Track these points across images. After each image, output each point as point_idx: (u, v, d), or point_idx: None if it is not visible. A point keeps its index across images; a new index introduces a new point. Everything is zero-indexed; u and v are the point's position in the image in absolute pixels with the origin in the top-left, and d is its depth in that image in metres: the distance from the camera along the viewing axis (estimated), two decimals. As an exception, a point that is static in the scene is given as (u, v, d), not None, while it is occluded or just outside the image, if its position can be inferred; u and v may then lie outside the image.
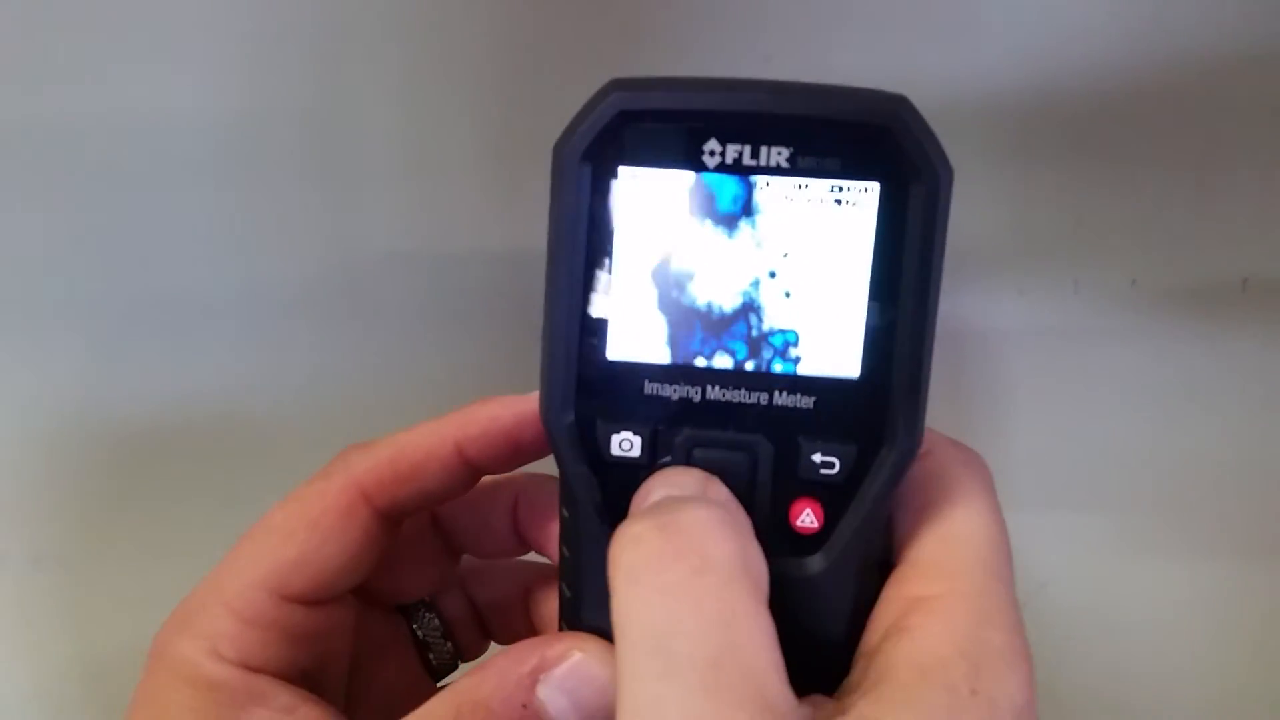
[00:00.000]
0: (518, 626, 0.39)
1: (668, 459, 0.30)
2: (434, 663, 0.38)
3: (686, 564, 0.25)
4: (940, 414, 0.51)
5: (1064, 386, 0.53)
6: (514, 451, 0.33)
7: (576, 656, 0.29)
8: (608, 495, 0.30)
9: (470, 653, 0.39)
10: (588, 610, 0.31)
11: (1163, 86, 0.48)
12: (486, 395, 0.33)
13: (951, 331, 0.51)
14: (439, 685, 0.39)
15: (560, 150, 0.28)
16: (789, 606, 0.27)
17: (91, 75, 0.45)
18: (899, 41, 0.47)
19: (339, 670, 0.35)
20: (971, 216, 0.49)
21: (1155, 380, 0.53)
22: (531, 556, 0.38)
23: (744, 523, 0.28)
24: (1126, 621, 0.55)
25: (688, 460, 0.30)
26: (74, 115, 0.46)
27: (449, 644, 0.39)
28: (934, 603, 0.28)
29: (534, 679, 0.29)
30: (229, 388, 0.50)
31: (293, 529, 0.32)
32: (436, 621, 0.38)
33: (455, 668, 0.39)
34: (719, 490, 0.29)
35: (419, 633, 0.38)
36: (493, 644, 0.40)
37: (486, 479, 0.35)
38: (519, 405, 0.32)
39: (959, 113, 0.48)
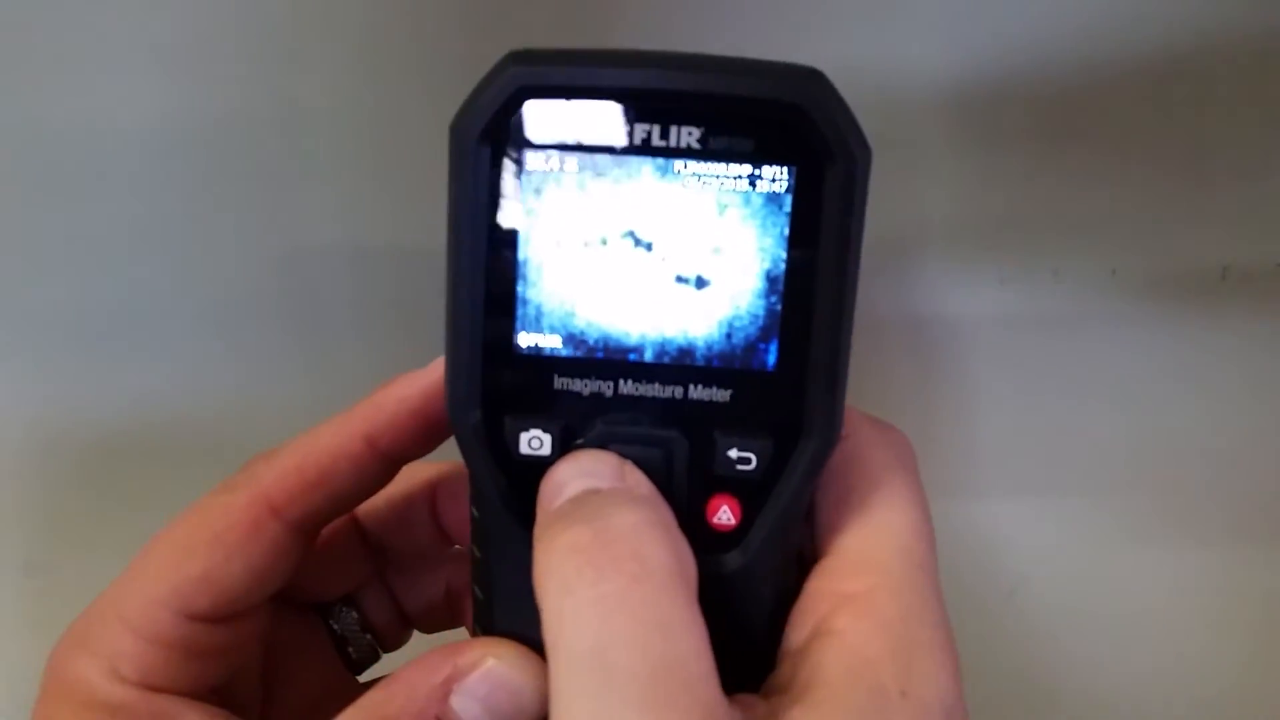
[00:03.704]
0: (441, 619, 0.38)
1: (579, 442, 0.28)
2: (354, 656, 0.37)
3: (624, 572, 0.24)
4: (919, 402, 0.51)
5: (1045, 375, 0.52)
6: (428, 432, 0.32)
7: (490, 663, 0.28)
8: (518, 494, 0.28)
9: (392, 643, 0.38)
10: (501, 613, 0.29)
11: (1143, 76, 0.47)
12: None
13: (932, 320, 0.51)
14: (360, 679, 0.37)
15: (457, 130, 0.27)
16: (707, 604, 0.26)
17: (31, 84, 0.44)
18: (878, 29, 0.46)
19: (251, 679, 0.34)
20: (952, 205, 0.49)
21: (1136, 368, 0.52)
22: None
23: (671, 519, 0.27)
24: (1111, 611, 0.55)
25: None
26: (14, 125, 0.45)
27: (369, 636, 0.37)
28: (860, 601, 0.27)
29: (446, 689, 0.28)
30: (210, 391, 0.50)
31: (195, 545, 0.31)
32: (355, 616, 0.37)
33: (377, 659, 0.38)
34: (637, 478, 0.28)
35: (336, 628, 0.37)
36: (415, 632, 0.39)
37: (406, 470, 0.33)
38: (423, 380, 0.31)
39: (940, 100, 0.47)
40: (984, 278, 0.51)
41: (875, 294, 0.51)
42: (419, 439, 0.32)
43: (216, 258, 0.48)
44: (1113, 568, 0.54)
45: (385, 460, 0.32)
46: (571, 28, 0.45)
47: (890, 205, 0.48)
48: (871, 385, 0.52)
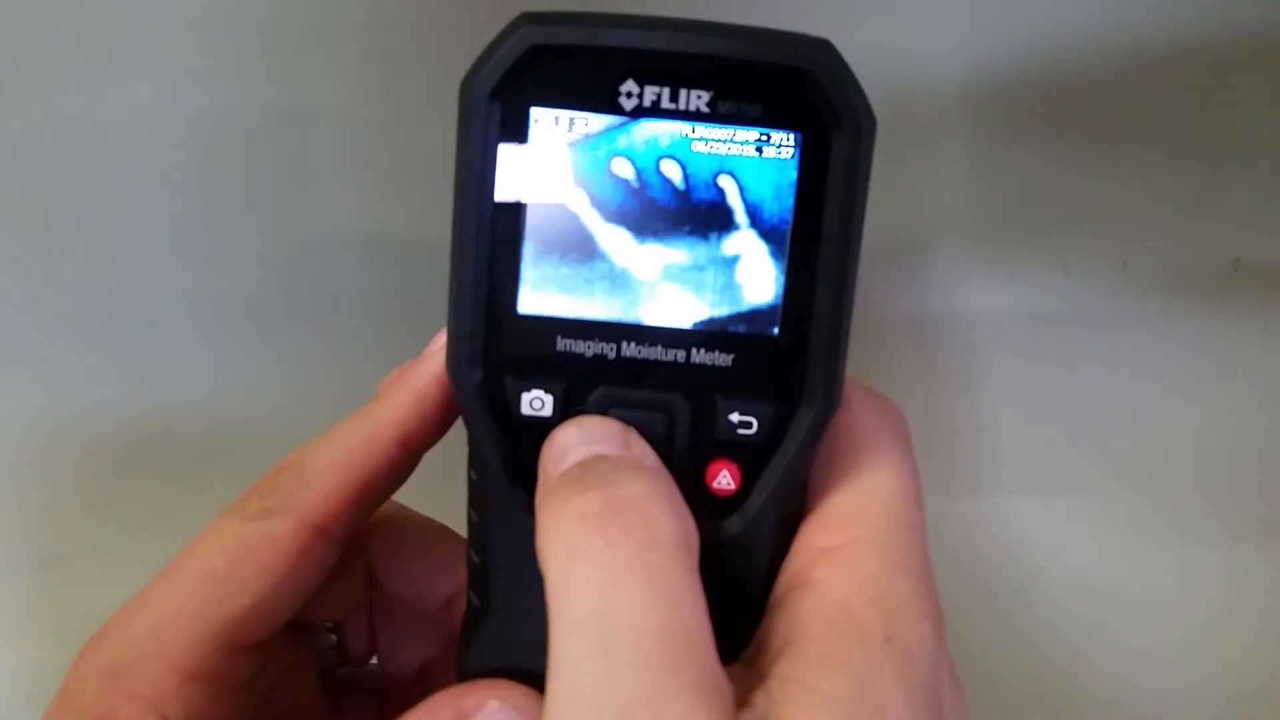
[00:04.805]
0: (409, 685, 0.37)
1: (580, 409, 0.28)
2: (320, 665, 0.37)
3: (634, 539, 0.24)
4: (930, 397, 0.51)
5: (1056, 370, 0.52)
6: (449, 417, 0.31)
7: (493, 704, 0.28)
8: (518, 456, 0.28)
9: (357, 660, 0.38)
10: (497, 578, 0.29)
11: (1154, 68, 0.47)
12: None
13: (943, 316, 0.50)
14: (324, 676, 0.37)
15: (468, 86, 0.27)
16: (705, 570, 0.26)
17: (45, 85, 0.44)
18: (890, 19, 0.46)
19: (260, 700, 0.33)
20: (962, 199, 0.49)
21: (1147, 363, 0.52)
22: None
23: (676, 490, 0.27)
24: (1123, 607, 0.54)
25: None
26: (29, 125, 0.45)
27: (337, 654, 0.37)
28: (840, 552, 0.27)
29: None
30: (225, 388, 0.50)
31: (244, 578, 0.29)
32: (333, 638, 0.37)
33: (340, 666, 0.37)
34: (643, 447, 0.28)
35: (314, 645, 0.36)
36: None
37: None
38: (430, 366, 0.31)
39: (950, 92, 0.47)
40: (994, 273, 0.50)
41: (885, 289, 0.51)
42: (443, 428, 0.32)
43: (234, 253, 0.48)
44: (1125, 563, 0.54)
45: (416, 457, 0.32)
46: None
47: (900, 198, 0.48)
48: (881, 379, 0.51)
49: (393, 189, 0.47)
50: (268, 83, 0.45)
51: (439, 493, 0.34)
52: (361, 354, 0.49)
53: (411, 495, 0.34)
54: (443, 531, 0.35)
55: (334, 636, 0.37)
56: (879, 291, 0.51)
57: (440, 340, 0.30)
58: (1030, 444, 0.53)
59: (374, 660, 0.38)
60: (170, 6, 0.44)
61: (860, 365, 0.50)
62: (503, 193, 0.28)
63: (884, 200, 0.47)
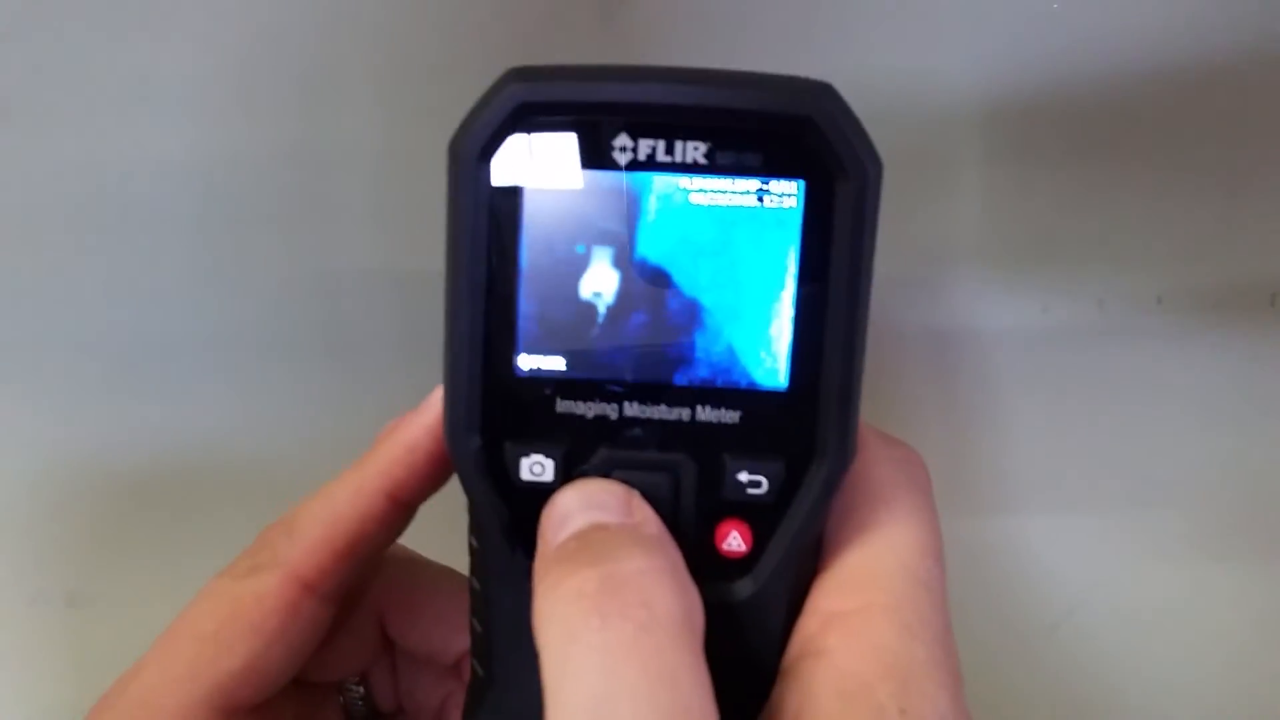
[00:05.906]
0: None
1: (583, 468, 0.27)
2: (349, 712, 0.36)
3: (632, 620, 0.23)
4: (966, 431, 0.50)
5: (1090, 405, 0.51)
6: (444, 471, 0.30)
7: None
8: (519, 523, 0.27)
9: (387, 710, 0.37)
10: (500, 647, 0.29)
11: (1189, 97, 0.46)
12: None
13: (976, 349, 0.49)
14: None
15: (456, 147, 0.26)
16: (716, 635, 0.25)
17: (68, 122, 0.45)
18: (911, 43, 0.45)
19: None
20: (994, 233, 0.48)
21: (1183, 398, 0.51)
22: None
23: (680, 561, 0.26)
24: (1166, 645, 0.53)
25: None
26: (52, 165, 0.45)
27: (365, 705, 0.36)
28: (852, 618, 0.25)
29: None
30: (249, 425, 0.50)
31: (231, 638, 0.29)
32: (360, 690, 0.36)
33: (370, 718, 0.37)
34: (646, 514, 0.27)
35: (340, 701, 0.36)
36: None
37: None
38: (427, 419, 0.30)
39: (982, 126, 0.46)
40: (1027, 307, 0.49)
41: (915, 319, 0.50)
42: (437, 481, 0.31)
43: (257, 291, 0.48)
44: (1161, 595, 0.52)
45: (407, 510, 0.31)
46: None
47: (931, 228, 0.48)
48: (915, 414, 0.51)
49: (413, 225, 0.47)
50: (289, 121, 0.45)
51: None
52: (385, 390, 0.48)
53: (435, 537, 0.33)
54: (458, 582, 0.34)
55: (361, 689, 0.36)
56: (908, 323, 0.50)
57: (439, 393, 0.29)
58: (1063, 479, 0.52)
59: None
60: (194, 50, 0.44)
61: (892, 398, 0.50)
62: (496, 252, 0.27)
63: (914, 231, 0.47)
